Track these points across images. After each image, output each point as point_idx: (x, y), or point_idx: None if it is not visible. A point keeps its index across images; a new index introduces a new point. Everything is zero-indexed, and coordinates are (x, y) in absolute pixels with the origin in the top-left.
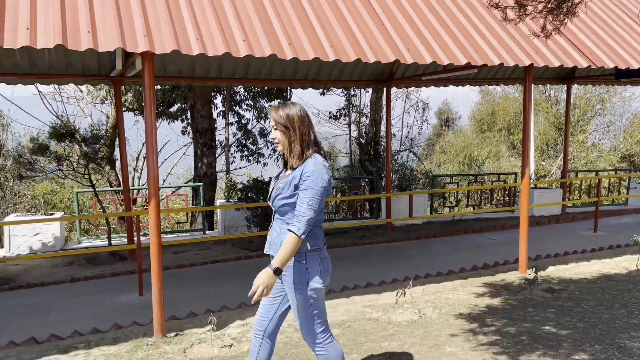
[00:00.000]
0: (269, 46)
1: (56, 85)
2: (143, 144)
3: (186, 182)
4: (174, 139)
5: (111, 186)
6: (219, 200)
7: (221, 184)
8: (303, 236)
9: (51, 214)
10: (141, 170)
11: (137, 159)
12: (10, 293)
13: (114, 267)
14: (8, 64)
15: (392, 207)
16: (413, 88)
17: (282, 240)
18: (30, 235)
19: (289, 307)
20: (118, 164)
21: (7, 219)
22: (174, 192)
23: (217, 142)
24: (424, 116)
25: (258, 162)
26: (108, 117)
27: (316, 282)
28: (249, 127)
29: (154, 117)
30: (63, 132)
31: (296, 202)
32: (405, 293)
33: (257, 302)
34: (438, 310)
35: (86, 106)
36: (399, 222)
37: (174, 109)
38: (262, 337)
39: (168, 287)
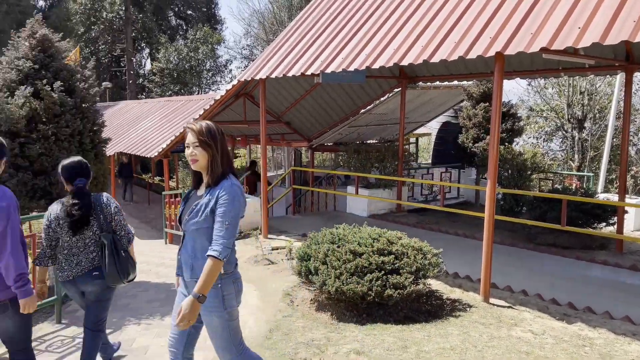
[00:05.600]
0: None
1: None
2: None
3: None
4: None
5: None
6: None
7: None
8: (225, 259)
9: None
10: None
11: None
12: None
13: None
14: None
15: None
16: None
17: (192, 262)
18: None
19: (202, 324)
20: None
21: None
22: None
23: None
24: None
25: None
26: None
27: (231, 304)
28: None
29: None
30: None
31: (211, 226)
32: None
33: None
34: None
35: None
36: None
37: None
38: (181, 357)
39: None
